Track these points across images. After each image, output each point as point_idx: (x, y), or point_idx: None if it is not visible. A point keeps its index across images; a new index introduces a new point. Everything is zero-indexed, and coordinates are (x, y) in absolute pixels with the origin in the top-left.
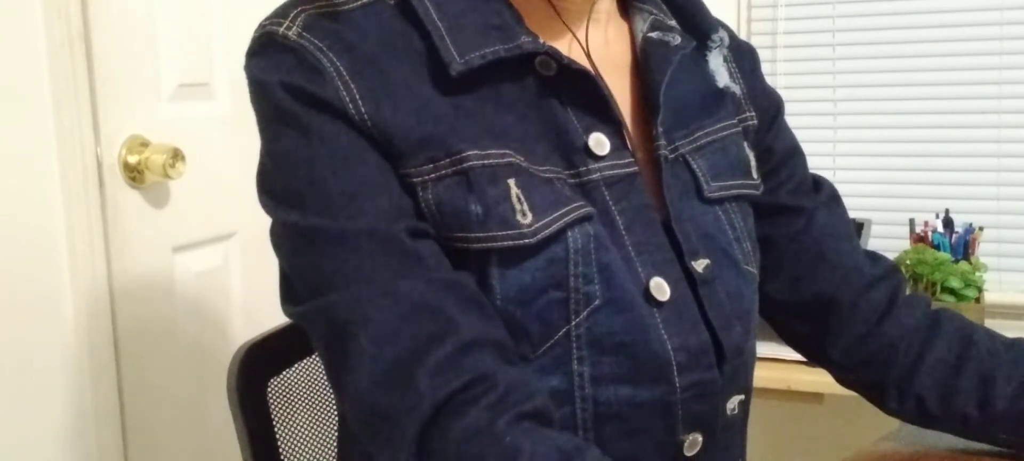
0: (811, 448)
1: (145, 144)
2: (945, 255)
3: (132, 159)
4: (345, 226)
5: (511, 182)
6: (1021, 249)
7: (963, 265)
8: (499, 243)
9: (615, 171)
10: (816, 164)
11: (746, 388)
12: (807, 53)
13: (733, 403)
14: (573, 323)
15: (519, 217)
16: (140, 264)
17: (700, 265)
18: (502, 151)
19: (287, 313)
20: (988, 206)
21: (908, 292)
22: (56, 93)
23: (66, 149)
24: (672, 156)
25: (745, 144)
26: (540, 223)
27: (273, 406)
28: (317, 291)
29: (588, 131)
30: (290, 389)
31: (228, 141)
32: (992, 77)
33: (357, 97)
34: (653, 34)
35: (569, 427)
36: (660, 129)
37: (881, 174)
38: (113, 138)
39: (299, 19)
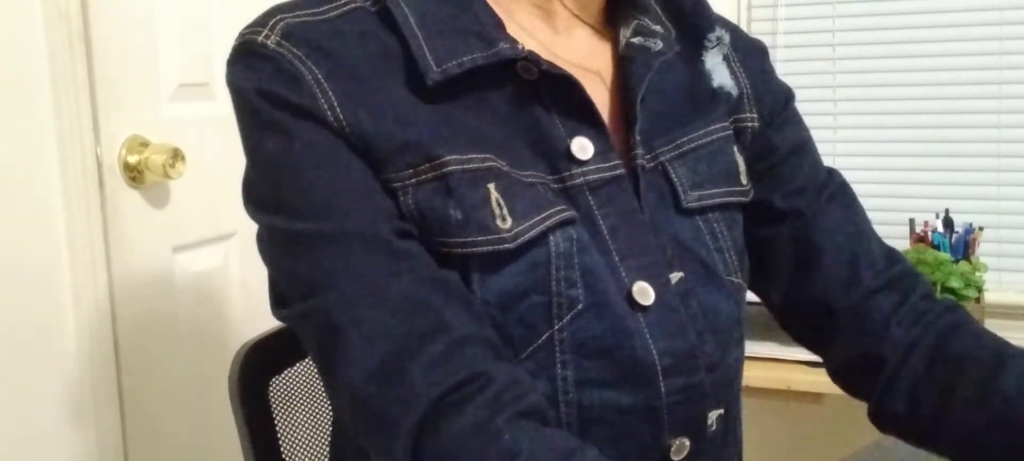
0: (811, 448)
1: (145, 144)
2: (945, 255)
3: (132, 159)
4: (331, 228)
5: (491, 187)
6: (1021, 249)
7: (963, 265)
8: (479, 248)
9: (599, 175)
10: None
11: (726, 403)
12: (807, 53)
13: (712, 417)
14: (556, 327)
15: (499, 222)
16: (140, 264)
17: (673, 278)
18: (483, 156)
19: (277, 316)
20: (988, 206)
21: (922, 296)
22: (56, 93)
23: (66, 149)
24: (650, 165)
25: (735, 148)
26: (520, 228)
27: (274, 405)
28: (306, 293)
29: (571, 135)
30: (291, 388)
31: (228, 141)
32: (992, 77)
33: (335, 104)
34: (635, 40)
35: None
36: (637, 139)
37: (881, 174)
38: (113, 138)
39: (278, 27)
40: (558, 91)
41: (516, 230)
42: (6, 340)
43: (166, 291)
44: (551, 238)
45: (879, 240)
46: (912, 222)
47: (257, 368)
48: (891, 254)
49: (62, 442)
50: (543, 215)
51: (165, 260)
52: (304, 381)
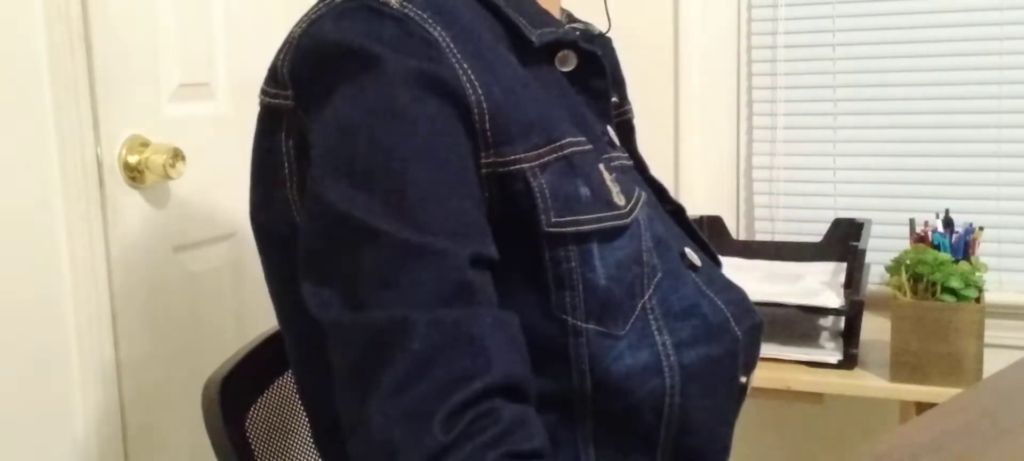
0: (811, 448)
1: (145, 144)
2: (945, 255)
3: (132, 159)
4: (414, 240)
5: (601, 166)
6: (1021, 249)
7: (963, 265)
8: (605, 223)
9: (623, 161)
10: (816, 163)
11: None
12: (807, 53)
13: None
14: (646, 297)
15: (615, 198)
16: (140, 264)
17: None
18: (581, 137)
19: (312, 301)
20: (988, 206)
21: None
22: (56, 93)
23: (66, 149)
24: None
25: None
26: (630, 204)
27: (253, 428)
28: (361, 302)
29: (601, 119)
30: (272, 410)
31: (228, 141)
32: (992, 77)
33: (472, 76)
34: (577, 25)
35: (660, 397)
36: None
37: (881, 174)
38: (113, 138)
39: None
40: (589, 78)
41: (629, 206)
42: (6, 340)
43: (166, 291)
44: (639, 212)
45: None
46: (912, 222)
47: (233, 400)
48: None
49: (62, 442)
50: (637, 191)
51: (165, 260)
52: (287, 399)
